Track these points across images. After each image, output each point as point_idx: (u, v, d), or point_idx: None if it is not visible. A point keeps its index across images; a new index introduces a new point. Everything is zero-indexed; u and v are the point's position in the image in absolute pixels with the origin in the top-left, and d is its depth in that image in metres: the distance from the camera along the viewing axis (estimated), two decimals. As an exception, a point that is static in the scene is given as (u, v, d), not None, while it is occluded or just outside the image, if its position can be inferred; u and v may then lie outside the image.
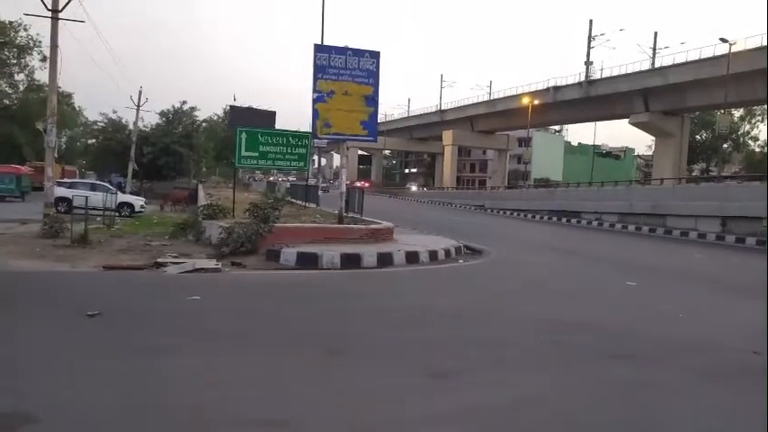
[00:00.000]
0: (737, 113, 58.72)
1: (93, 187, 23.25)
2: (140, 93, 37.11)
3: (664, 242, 20.91)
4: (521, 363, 4.92)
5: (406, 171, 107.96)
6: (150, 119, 44.59)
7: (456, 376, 4.44)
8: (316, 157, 38.98)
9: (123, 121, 41.32)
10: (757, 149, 60.29)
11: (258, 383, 4.09)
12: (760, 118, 59.24)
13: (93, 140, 46.54)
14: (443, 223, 22.80)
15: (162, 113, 43.55)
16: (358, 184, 39.81)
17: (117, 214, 20.17)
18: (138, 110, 37.29)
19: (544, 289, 9.30)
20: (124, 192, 28.30)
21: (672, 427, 3.68)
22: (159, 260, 9.80)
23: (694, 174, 55.40)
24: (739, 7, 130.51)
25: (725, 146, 59.86)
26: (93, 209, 16.31)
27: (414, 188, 76.23)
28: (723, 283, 10.77)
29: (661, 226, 25.24)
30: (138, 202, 24.95)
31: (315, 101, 13.43)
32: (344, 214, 14.47)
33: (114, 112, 41.90)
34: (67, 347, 4.76)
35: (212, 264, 9.70)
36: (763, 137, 62.25)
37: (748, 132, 60.89)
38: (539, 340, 5.70)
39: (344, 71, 13.61)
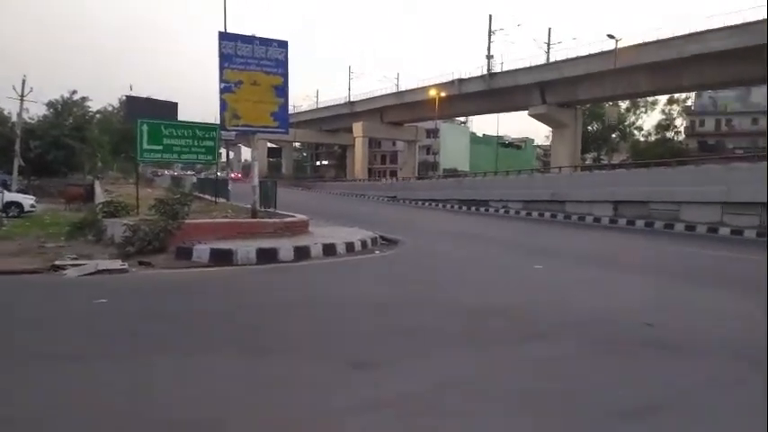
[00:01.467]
0: (624, 105, 63.56)
1: (-27, 186, 21.13)
2: (24, 82, 34.07)
3: (564, 227, 22.29)
4: (440, 349, 5.06)
5: (318, 163, 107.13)
6: (36, 110, 41.24)
7: (377, 366, 4.49)
8: (224, 150, 37.66)
9: (6, 112, 37.88)
10: (641, 139, 65.50)
11: (176, 384, 3.93)
12: (644, 109, 64.41)
13: (-29, 135, 42.26)
14: (357, 215, 22.90)
15: (50, 104, 40.39)
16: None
17: (4, 215, 18.48)
18: (21, 100, 34.22)
19: (458, 276, 9.63)
20: (10, 190, 25.93)
21: (586, 394, 3.95)
22: (57, 263, 9.09)
23: (587, 162, 59.30)
24: (625, 5, 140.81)
25: (613, 136, 64.68)
26: (-25, 210, 14.82)
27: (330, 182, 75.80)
28: (619, 264, 11.66)
29: (561, 212, 26.85)
30: (27, 201, 22.93)
31: (222, 91, 12.98)
32: (258, 208, 14.14)
33: (-6, 103, 38.32)
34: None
35: (117, 264, 9.16)
36: (646, 127, 67.82)
37: (634, 123, 66.08)
38: (457, 325, 5.90)
39: (252, 60, 13.25)
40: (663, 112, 62.63)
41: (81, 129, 39.91)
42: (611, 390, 4.09)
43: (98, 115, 44.84)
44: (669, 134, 63.05)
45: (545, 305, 7.01)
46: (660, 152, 50.56)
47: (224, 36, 13.37)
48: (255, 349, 4.86)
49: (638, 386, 4.16)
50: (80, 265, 8.98)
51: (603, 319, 6.26)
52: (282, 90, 13.73)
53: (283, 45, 13.72)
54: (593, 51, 42.20)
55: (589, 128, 63.96)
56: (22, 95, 34.03)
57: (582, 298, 7.63)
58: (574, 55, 44.48)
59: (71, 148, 37.56)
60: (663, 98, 59.59)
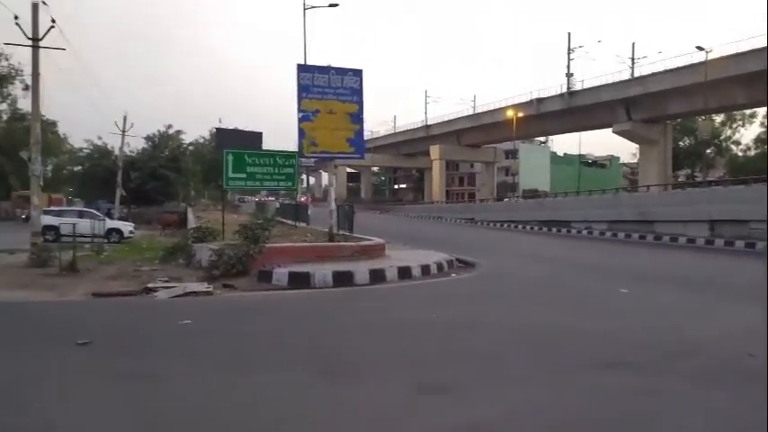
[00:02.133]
0: (718, 119, 59.65)
1: (81, 214, 23.14)
2: (125, 118, 37.03)
3: (654, 248, 21.06)
4: (515, 374, 4.89)
5: (395, 187, 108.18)
6: (136, 144, 44.56)
7: (450, 391, 4.40)
8: (304, 176, 39.04)
9: (109, 146, 41.30)
10: (740, 153, 61.14)
11: (251, 406, 4.04)
12: (740, 122, 60.18)
13: (80, 167, 46.36)
14: (434, 237, 22.82)
15: (148, 138, 43.55)
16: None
17: (106, 241, 20.01)
18: (123, 135, 37.19)
19: (536, 299, 9.31)
20: (112, 218, 28.11)
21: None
22: (150, 285, 9.71)
23: (680, 180, 55.99)
24: (713, 16, 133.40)
25: (708, 151, 60.71)
26: (82, 236, 16.17)
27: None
28: (716, 288, 10.82)
29: (650, 232, 25.42)
30: (126, 227, 24.80)
31: (300, 120, 13.49)
32: (335, 232, 14.45)
33: (99, 138, 41.90)
34: (57, 377, 4.67)
35: (203, 287, 9.63)
36: (745, 141, 63.07)
37: (730, 137, 61.77)
38: (533, 351, 5.69)
39: (328, 90, 13.70)
40: (762, 124, 58.19)
41: (176, 160, 42.77)
42: (703, 430, 3.77)
43: (191, 147, 47.83)
44: (771, 148, 58.33)
45: (630, 331, 6.61)
46: (761, 167, 46.86)
47: (302, 68, 13.95)
48: (327, 372, 4.91)
49: (736, 426, 3.81)
50: (170, 287, 9.54)
51: (697, 349, 5.80)
52: (358, 117, 14.07)
53: (358, 73, 14.10)
54: (680, 64, 40.20)
55: (680, 143, 60.55)
56: (123, 130, 36.98)
57: (672, 324, 7.12)
58: (660, 69, 42.56)
59: (167, 178, 40.29)
60: (762, 110, 55.46)
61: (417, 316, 7.70)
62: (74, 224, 14.41)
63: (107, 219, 24.56)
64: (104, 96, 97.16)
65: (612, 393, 4.40)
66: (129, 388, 4.37)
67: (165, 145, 43.99)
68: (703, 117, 52.04)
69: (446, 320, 7.30)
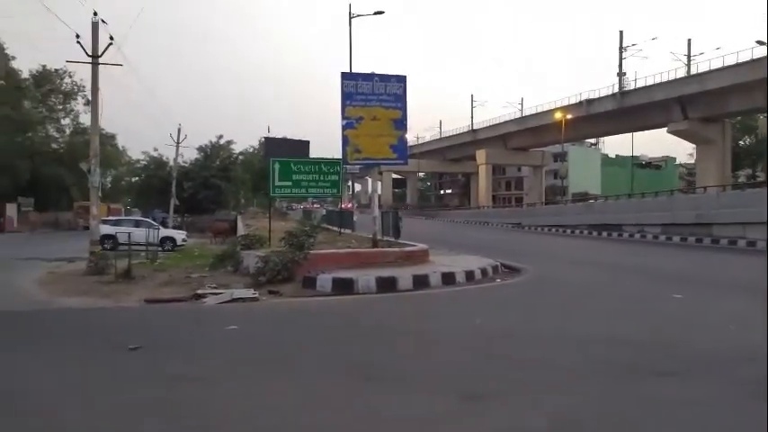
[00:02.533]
0: (781, 116, 56.65)
1: (137, 223, 24.05)
2: (179, 130, 38.36)
3: (711, 252, 20.15)
4: (560, 383, 4.77)
5: (441, 192, 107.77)
6: (189, 154, 46.06)
7: (492, 399, 4.33)
8: (350, 183, 39.38)
9: (164, 158, 42.79)
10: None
11: (294, 411, 4.09)
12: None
13: (137, 178, 48.31)
14: (480, 242, 22.57)
15: (200, 148, 44.90)
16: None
17: (160, 249, 20.74)
18: (177, 146, 38.50)
19: (585, 305, 9.06)
20: (167, 227, 29.13)
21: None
22: (199, 291, 10.01)
23: (740, 180, 53.45)
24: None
25: (770, 150, 57.69)
26: (137, 244, 16.82)
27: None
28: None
29: (707, 235, 24.33)
30: (179, 235, 25.64)
31: (344, 128, 13.63)
32: (379, 238, 14.50)
33: (155, 149, 43.53)
34: (109, 381, 4.87)
35: (250, 293, 9.85)
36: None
37: (794, 134, 58.51)
38: (580, 359, 5.54)
39: (372, 97, 13.79)
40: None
41: (226, 169, 43.95)
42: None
43: (241, 156, 49.07)
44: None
45: (682, 339, 6.35)
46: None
47: (346, 76, 14.10)
48: (371, 378, 4.93)
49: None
50: (218, 293, 9.81)
51: (753, 358, 5.51)
52: (401, 123, 14.11)
53: (402, 80, 14.15)
54: (740, 60, 38.45)
55: (740, 142, 57.89)
56: (177, 142, 38.31)
57: (727, 332, 6.79)
58: (718, 65, 40.86)
59: (218, 188, 41.45)
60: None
61: (460, 322, 7.63)
62: (129, 233, 14.99)
63: (161, 227, 25.46)
64: (161, 109, 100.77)
65: (661, 404, 4.23)
66: (177, 391, 4.51)
67: (216, 155, 45.26)
68: (764, 115, 49.58)
69: (490, 327, 7.21)
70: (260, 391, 4.52)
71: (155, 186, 41.47)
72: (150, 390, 4.55)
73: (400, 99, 14.07)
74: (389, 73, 14.33)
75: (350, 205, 47.58)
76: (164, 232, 24.54)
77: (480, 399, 4.33)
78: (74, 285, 11.50)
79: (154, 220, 29.24)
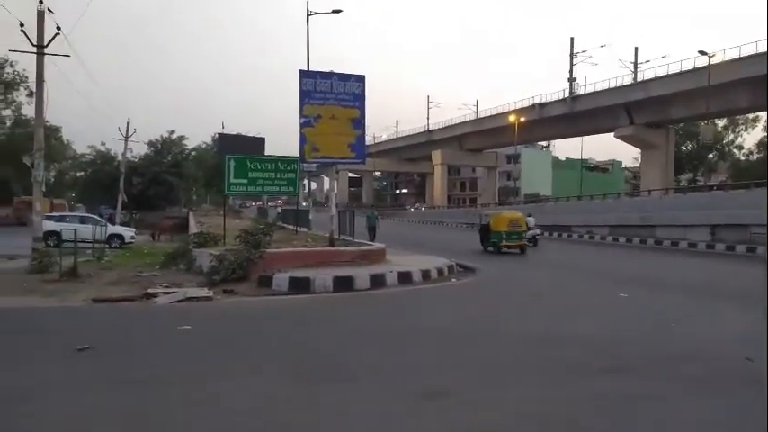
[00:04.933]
0: (721, 123, 59.54)
1: (83, 220, 23.09)
2: (128, 124, 37.06)
3: (654, 253, 21.03)
4: (513, 380, 4.89)
5: (397, 192, 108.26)
6: (139, 149, 44.60)
7: (448, 396, 4.41)
8: (306, 182, 39.06)
9: (112, 152, 41.33)
10: (742, 158, 60.99)
11: (252, 411, 4.04)
12: (743, 127, 60.04)
13: (82, 173, 46.50)
14: (435, 242, 22.82)
15: (150, 143, 43.60)
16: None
17: (107, 246, 20.02)
18: (126, 141, 37.20)
19: (535, 304, 9.31)
20: (114, 223, 28.13)
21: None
22: (150, 291, 9.72)
23: (682, 184, 55.88)
24: (716, 21, 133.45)
25: (710, 155, 60.59)
26: (83, 241, 16.17)
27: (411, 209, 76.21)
28: (715, 292, 10.80)
29: (651, 237, 25.39)
30: (127, 233, 24.79)
31: (302, 125, 13.50)
32: (336, 237, 14.46)
33: (102, 144, 41.98)
34: (57, 383, 4.69)
35: (203, 292, 9.64)
36: (747, 145, 62.85)
37: (732, 141, 61.64)
38: (532, 356, 5.69)
39: (330, 95, 13.70)
40: (765, 128, 58.02)
41: (178, 165, 42.83)
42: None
43: (193, 152, 47.89)
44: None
45: (628, 336, 6.62)
46: (763, 172, 46.72)
47: (305, 74, 13.97)
48: (328, 377, 4.92)
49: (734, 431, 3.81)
50: (170, 292, 9.55)
51: (696, 354, 5.81)
52: (359, 122, 14.08)
53: (360, 79, 14.12)
54: (683, 69, 40.19)
55: (683, 148, 60.43)
56: (126, 136, 36.99)
57: (671, 329, 7.12)
58: (663, 73, 42.56)
59: (169, 184, 40.33)
60: (764, 114, 55.35)
61: (416, 322, 7.71)
62: (75, 230, 14.40)
63: (108, 224, 24.55)
64: (108, 103, 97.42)
65: (607, 399, 4.40)
66: (129, 393, 4.39)
67: (167, 150, 44.07)
68: (706, 121, 52.04)
69: (445, 326, 7.32)
70: (215, 392, 4.44)
71: (101, 182, 40.01)
72: (100, 393, 4.41)
73: (359, 98, 14.04)
74: (347, 72, 14.30)
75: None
76: (111, 229, 23.64)
77: (437, 396, 4.39)
78: (16, 284, 10.96)
79: (100, 216, 28.16)
